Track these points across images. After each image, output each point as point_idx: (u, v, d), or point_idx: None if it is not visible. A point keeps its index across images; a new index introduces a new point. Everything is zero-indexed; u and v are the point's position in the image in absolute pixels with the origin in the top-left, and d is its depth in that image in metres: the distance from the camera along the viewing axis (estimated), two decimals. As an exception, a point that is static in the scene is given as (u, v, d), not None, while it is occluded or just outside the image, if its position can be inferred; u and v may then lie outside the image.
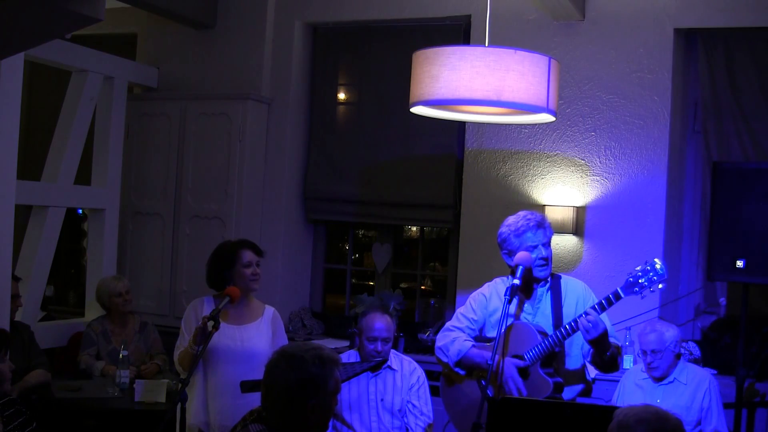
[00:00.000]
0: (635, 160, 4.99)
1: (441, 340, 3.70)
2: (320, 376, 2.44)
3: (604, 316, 3.40)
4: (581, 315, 3.33)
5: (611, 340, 3.45)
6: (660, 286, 3.30)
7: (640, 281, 3.30)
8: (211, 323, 3.37)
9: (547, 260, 3.53)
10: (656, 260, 3.31)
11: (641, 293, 3.31)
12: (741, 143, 4.92)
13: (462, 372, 3.65)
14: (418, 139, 5.64)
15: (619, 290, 3.32)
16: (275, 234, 5.85)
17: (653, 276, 3.29)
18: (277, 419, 2.45)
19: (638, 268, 3.32)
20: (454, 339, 3.64)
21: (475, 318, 3.68)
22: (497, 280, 3.74)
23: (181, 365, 3.69)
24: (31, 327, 4.82)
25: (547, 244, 3.55)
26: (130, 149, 5.93)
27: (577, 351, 3.59)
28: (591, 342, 3.35)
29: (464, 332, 3.66)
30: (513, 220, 3.59)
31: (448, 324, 3.74)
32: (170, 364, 4.42)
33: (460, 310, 3.76)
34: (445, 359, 3.66)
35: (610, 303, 3.34)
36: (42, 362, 4.59)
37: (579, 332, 3.39)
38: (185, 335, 3.74)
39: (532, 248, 3.52)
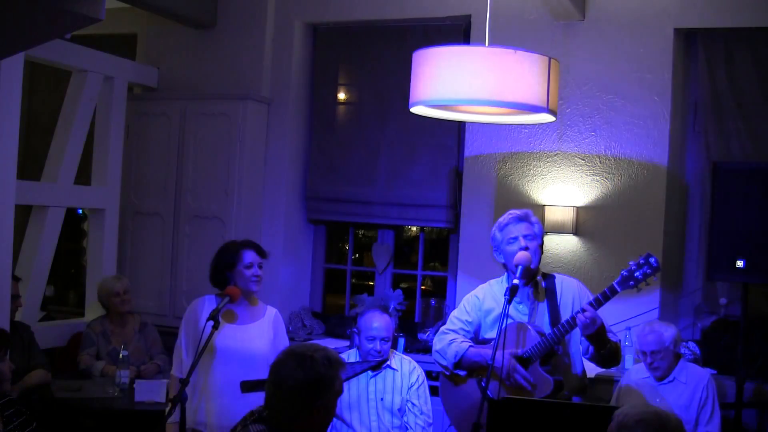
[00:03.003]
0: (635, 160, 5.00)
1: (437, 343, 3.70)
2: (328, 377, 2.45)
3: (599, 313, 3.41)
4: (579, 311, 3.34)
5: (609, 335, 3.46)
6: (654, 278, 3.32)
7: (634, 275, 3.32)
8: (211, 323, 3.38)
9: (526, 250, 3.53)
10: (650, 253, 3.33)
11: (636, 286, 3.33)
12: (741, 143, 4.92)
13: (462, 373, 3.65)
14: (418, 139, 5.64)
15: (615, 285, 3.34)
16: (275, 234, 5.85)
17: (648, 270, 3.31)
18: (281, 419, 2.45)
19: (632, 262, 3.34)
20: (450, 341, 3.64)
21: (470, 320, 3.68)
22: (491, 281, 3.75)
23: (168, 389, 3.70)
24: (31, 327, 4.82)
25: (530, 237, 3.55)
26: (130, 149, 5.93)
27: (575, 349, 3.59)
28: (589, 337, 3.36)
29: (459, 334, 3.66)
30: (500, 218, 3.65)
31: (442, 328, 3.75)
32: (170, 364, 4.42)
33: (453, 314, 3.77)
34: (444, 362, 3.66)
35: (606, 298, 3.36)
36: (42, 362, 4.59)
37: (577, 330, 3.40)
38: (182, 340, 3.75)
39: (513, 240, 3.54)
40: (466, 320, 3.68)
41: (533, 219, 3.62)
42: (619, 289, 3.33)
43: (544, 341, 3.43)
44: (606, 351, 3.42)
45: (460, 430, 3.72)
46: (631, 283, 3.33)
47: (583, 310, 3.32)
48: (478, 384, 3.60)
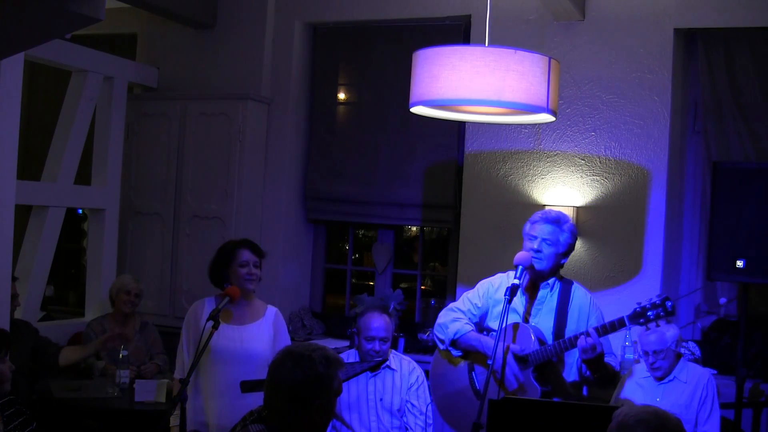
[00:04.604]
0: (635, 160, 4.99)
1: (442, 317, 3.74)
2: (326, 376, 2.45)
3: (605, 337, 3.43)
4: (582, 333, 3.34)
5: (607, 359, 3.48)
6: (664, 321, 3.35)
7: (647, 313, 3.34)
8: (210, 323, 3.38)
9: (539, 254, 3.53)
10: (668, 298, 3.34)
11: (645, 324, 3.36)
12: (741, 143, 4.91)
13: (456, 353, 3.66)
14: (418, 139, 5.64)
15: (625, 319, 3.36)
16: (275, 234, 5.85)
17: (661, 312, 3.32)
18: (280, 419, 2.45)
19: (647, 300, 3.35)
20: (455, 319, 3.67)
21: (479, 305, 3.70)
22: (510, 272, 3.73)
23: (170, 390, 3.71)
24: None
25: (549, 242, 3.55)
26: (130, 149, 5.93)
27: (572, 360, 3.60)
28: (586, 361, 3.39)
29: (465, 316, 3.68)
30: (537, 212, 3.66)
31: (452, 304, 3.78)
32: (170, 364, 4.42)
33: (466, 294, 3.79)
34: (442, 335, 3.70)
35: (613, 329, 3.37)
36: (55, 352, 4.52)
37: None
38: (183, 343, 3.75)
39: (531, 238, 3.54)
40: (476, 304, 3.71)
41: (565, 227, 3.59)
42: (628, 324, 3.36)
43: (542, 351, 3.44)
44: (600, 376, 3.44)
45: (440, 410, 3.79)
46: (642, 320, 3.35)
47: (587, 334, 3.32)
48: (468, 371, 3.63)
